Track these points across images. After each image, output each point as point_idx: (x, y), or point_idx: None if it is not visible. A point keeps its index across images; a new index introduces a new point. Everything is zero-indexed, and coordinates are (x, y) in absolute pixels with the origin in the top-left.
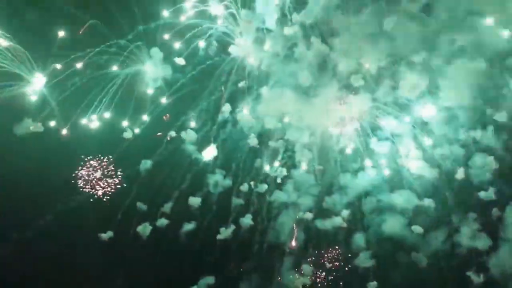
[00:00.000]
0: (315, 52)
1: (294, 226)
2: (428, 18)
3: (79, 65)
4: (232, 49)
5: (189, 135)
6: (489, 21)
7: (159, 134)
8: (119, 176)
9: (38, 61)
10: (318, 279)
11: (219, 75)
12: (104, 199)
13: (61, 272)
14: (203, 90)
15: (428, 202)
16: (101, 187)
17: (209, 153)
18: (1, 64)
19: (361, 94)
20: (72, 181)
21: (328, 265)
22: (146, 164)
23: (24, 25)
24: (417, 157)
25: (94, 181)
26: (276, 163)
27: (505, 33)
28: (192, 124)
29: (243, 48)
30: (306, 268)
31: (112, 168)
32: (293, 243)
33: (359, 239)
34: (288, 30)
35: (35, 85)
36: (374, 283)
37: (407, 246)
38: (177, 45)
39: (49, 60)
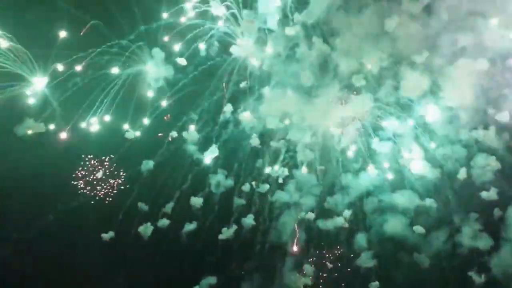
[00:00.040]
0: (317, 52)
1: (296, 226)
2: (430, 18)
3: (80, 66)
4: (233, 50)
5: (190, 135)
6: (490, 21)
7: (160, 134)
8: (121, 177)
9: (40, 62)
10: (320, 279)
11: (221, 75)
12: (106, 200)
13: (62, 272)
14: (204, 91)
15: (429, 202)
16: (102, 187)
17: (210, 157)
18: (3, 65)
19: (362, 94)
20: (74, 182)
21: (330, 265)
22: (147, 164)
23: (25, 25)
24: (418, 157)
25: (95, 182)
26: (278, 163)
27: (507, 33)
28: (194, 124)
29: (244, 49)
30: (308, 268)
31: (114, 168)
32: (295, 243)
33: (360, 239)
34: (289, 30)
35: (37, 86)
36: (376, 283)
37: (408, 246)
38: (178, 45)
39: (51, 61)
